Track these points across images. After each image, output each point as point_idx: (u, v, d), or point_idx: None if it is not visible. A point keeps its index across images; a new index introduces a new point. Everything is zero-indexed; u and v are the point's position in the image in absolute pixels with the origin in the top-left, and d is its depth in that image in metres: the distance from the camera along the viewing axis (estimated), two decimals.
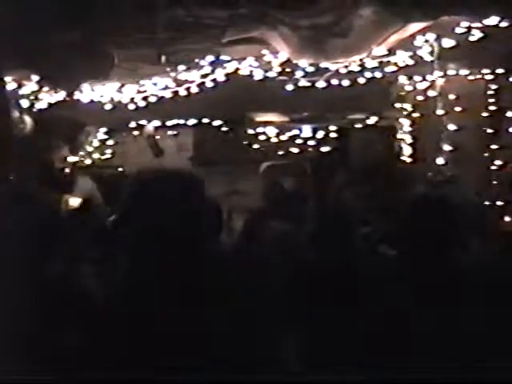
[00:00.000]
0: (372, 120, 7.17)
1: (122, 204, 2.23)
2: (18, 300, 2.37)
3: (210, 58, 5.97)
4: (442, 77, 6.20)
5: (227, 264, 2.18)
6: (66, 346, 2.39)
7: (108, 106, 6.48)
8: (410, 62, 6.12)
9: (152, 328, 1.95)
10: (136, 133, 7.38)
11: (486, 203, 6.09)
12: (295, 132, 7.51)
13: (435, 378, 2.28)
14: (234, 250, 4.41)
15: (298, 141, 7.50)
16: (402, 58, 6.09)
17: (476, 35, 5.72)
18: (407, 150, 6.78)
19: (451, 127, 6.22)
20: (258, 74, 6.17)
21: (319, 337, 2.94)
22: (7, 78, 5.80)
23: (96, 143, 7.39)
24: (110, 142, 7.47)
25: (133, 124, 7.26)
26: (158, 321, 1.95)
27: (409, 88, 6.65)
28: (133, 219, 2.12)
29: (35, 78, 6.01)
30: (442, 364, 2.63)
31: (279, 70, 6.17)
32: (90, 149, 7.36)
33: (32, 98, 6.22)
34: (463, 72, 6.37)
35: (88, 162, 7.26)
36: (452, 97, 6.30)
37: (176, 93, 6.26)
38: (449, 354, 2.71)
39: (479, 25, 5.65)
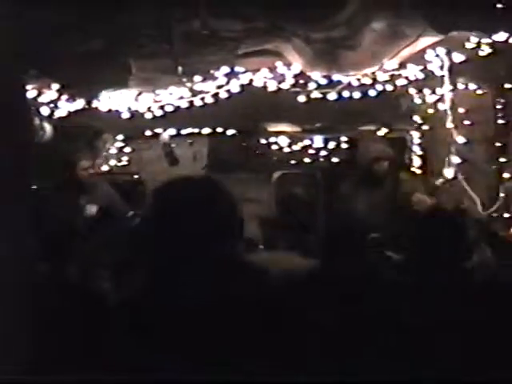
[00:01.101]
0: (382, 132, 7.26)
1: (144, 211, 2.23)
2: (19, 300, 2.40)
3: (225, 69, 6.06)
4: (451, 90, 6.28)
5: (239, 270, 2.17)
6: (67, 346, 2.45)
7: (125, 115, 6.60)
8: (421, 76, 6.22)
9: (156, 331, 1.97)
10: (152, 141, 7.46)
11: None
12: (307, 142, 7.60)
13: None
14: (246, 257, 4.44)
15: (310, 151, 7.60)
16: (413, 71, 6.18)
17: (485, 50, 5.81)
18: (417, 162, 6.86)
19: (460, 140, 6.30)
20: (272, 86, 6.27)
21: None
22: (28, 86, 5.90)
23: (113, 150, 7.49)
24: (127, 150, 7.57)
25: (149, 132, 7.36)
26: (165, 324, 1.98)
27: (419, 101, 6.73)
28: (153, 226, 2.16)
29: (55, 86, 6.13)
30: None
31: (292, 81, 6.26)
32: (107, 156, 7.46)
33: (52, 105, 6.33)
34: (472, 86, 6.45)
35: (105, 168, 7.36)
36: (461, 110, 6.38)
37: (191, 103, 6.37)
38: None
39: (488, 40, 5.74)
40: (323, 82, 6.24)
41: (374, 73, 6.13)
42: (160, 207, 2.14)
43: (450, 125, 6.29)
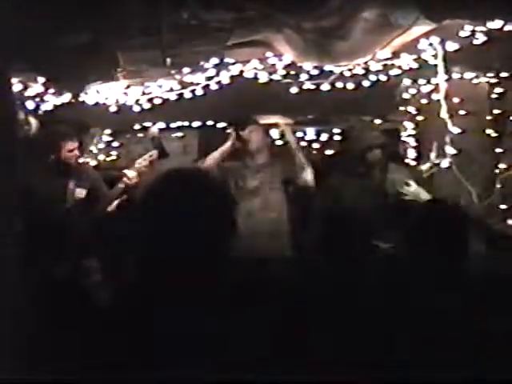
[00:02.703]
0: (376, 123, 7.18)
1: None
2: (19, 298, 2.37)
3: (215, 60, 5.98)
4: (446, 80, 6.20)
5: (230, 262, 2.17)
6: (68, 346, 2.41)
7: (113, 108, 6.50)
8: (414, 65, 6.13)
9: (153, 329, 1.96)
10: (141, 134, 7.40)
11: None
12: (299, 134, 7.53)
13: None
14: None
15: (303, 143, 7.52)
16: (406, 61, 6.10)
17: (480, 39, 5.73)
18: (411, 153, 6.79)
19: (455, 130, 6.22)
20: (263, 77, 6.18)
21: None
22: (13, 80, 5.81)
23: (101, 145, 7.42)
24: (115, 144, 7.50)
25: (138, 126, 7.29)
26: (160, 321, 1.97)
27: (413, 91, 6.66)
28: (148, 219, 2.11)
29: (41, 79, 6.03)
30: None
31: (284, 72, 6.18)
32: (94, 150, 7.39)
33: (37, 99, 6.24)
34: (467, 75, 6.38)
35: (93, 163, 7.28)
36: (456, 100, 6.31)
37: (181, 95, 6.27)
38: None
39: (483, 28, 5.66)
40: (315, 72, 6.15)
41: (366, 63, 6.05)
42: (153, 200, 2.11)
43: (444, 115, 6.20)
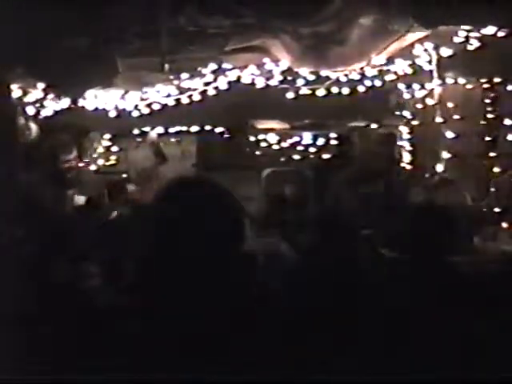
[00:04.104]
0: (372, 128, 7.23)
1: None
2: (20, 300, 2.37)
3: (213, 66, 6.02)
4: (440, 85, 6.26)
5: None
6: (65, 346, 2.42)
7: (112, 113, 6.55)
8: (409, 71, 6.19)
9: (153, 330, 1.92)
10: (140, 139, 7.43)
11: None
12: (296, 139, 7.57)
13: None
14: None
15: (299, 148, 7.57)
16: (402, 66, 6.15)
17: (474, 44, 5.78)
18: (407, 157, 6.84)
19: (449, 135, 6.27)
20: (260, 82, 6.23)
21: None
22: (13, 86, 5.86)
23: (100, 149, 7.44)
24: (115, 149, 7.52)
25: (136, 131, 7.32)
26: (160, 322, 1.94)
27: (408, 96, 6.70)
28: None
29: (41, 85, 6.07)
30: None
31: (280, 78, 6.22)
32: (94, 155, 7.42)
33: (37, 105, 6.27)
34: (461, 80, 6.43)
35: (93, 167, 7.31)
36: (450, 105, 6.35)
37: (179, 100, 6.32)
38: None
39: (477, 34, 5.72)
40: (311, 78, 6.20)
41: (362, 68, 6.09)
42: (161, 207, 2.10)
43: (439, 119, 6.25)
